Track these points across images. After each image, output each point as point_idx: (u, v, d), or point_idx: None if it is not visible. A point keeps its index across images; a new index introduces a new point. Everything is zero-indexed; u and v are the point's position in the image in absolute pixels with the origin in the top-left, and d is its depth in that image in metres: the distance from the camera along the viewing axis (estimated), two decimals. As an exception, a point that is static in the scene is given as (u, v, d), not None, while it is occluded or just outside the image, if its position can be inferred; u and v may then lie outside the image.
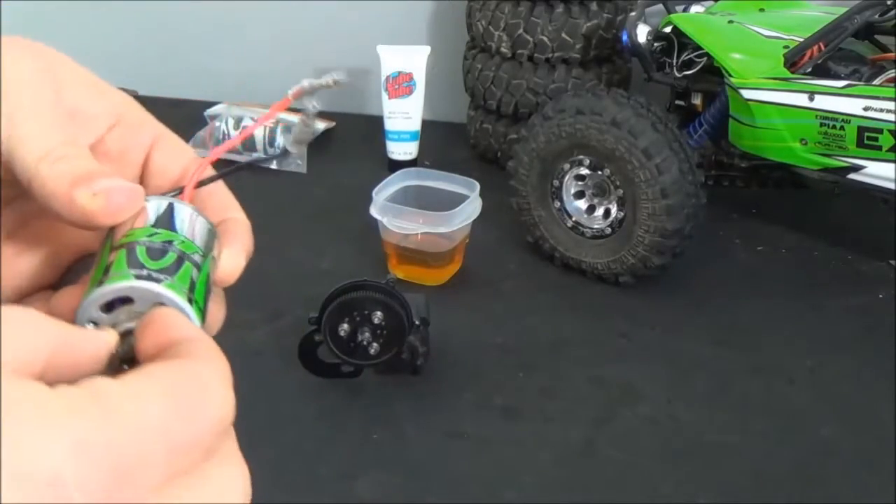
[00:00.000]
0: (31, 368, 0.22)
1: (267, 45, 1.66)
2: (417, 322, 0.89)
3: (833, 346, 1.02)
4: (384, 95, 1.40)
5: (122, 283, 0.28)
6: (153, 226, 0.30)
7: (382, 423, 0.89)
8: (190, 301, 0.29)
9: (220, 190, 0.34)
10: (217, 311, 0.32)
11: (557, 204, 1.13)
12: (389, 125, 1.42)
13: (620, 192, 1.07)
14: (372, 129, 1.47)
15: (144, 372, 0.23)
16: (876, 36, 1.13)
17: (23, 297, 0.31)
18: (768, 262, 1.19)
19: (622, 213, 1.08)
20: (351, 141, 1.53)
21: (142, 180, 0.34)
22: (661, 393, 0.94)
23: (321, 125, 1.51)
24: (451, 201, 1.09)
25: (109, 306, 0.28)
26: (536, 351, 1.00)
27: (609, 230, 1.10)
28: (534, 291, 1.12)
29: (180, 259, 0.29)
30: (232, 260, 0.32)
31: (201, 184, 0.33)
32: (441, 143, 1.50)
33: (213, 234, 0.32)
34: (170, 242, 0.29)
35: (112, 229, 0.30)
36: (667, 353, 1.00)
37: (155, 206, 0.30)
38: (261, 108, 1.51)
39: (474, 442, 0.87)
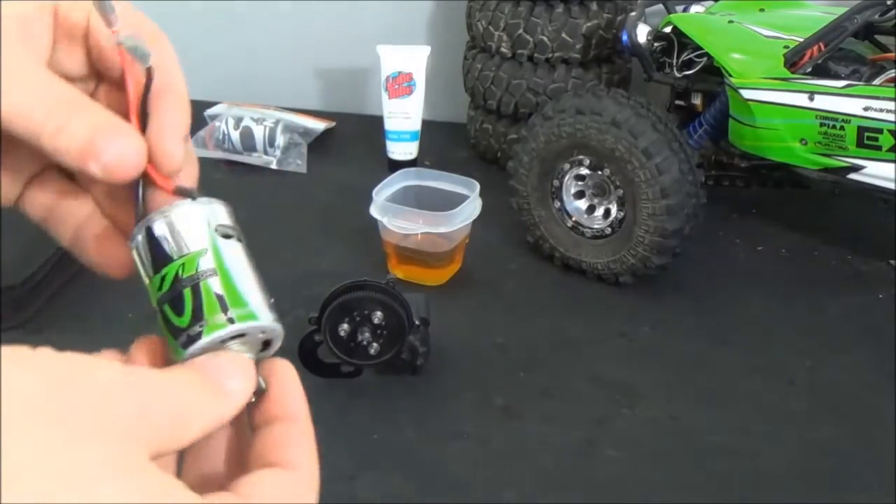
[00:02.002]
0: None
1: (267, 46, 1.66)
2: (417, 322, 0.89)
3: (833, 346, 1.02)
4: (384, 95, 1.40)
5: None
6: (154, 268, 0.30)
7: (382, 423, 0.89)
8: (231, 320, 0.30)
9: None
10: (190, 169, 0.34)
11: (557, 204, 1.13)
12: (389, 125, 1.41)
13: (620, 192, 1.07)
14: (372, 129, 1.47)
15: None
16: (876, 36, 1.13)
17: None
18: (768, 262, 1.19)
19: (622, 213, 1.08)
20: (351, 141, 1.53)
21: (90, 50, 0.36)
22: (661, 393, 0.94)
23: (312, 123, 1.51)
24: (451, 201, 1.09)
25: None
26: (536, 351, 1.00)
27: (609, 230, 1.10)
28: (534, 291, 1.12)
29: (195, 288, 0.29)
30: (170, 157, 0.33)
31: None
32: (441, 143, 1.50)
33: (196, 206, 0.32)
34: (177, 279, 0.30)
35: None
36: (667, 353, 1.00)
37: (136, 245, 0.31)
38: (261, 108, 1.51)
39: (474, 442, 0.87)
